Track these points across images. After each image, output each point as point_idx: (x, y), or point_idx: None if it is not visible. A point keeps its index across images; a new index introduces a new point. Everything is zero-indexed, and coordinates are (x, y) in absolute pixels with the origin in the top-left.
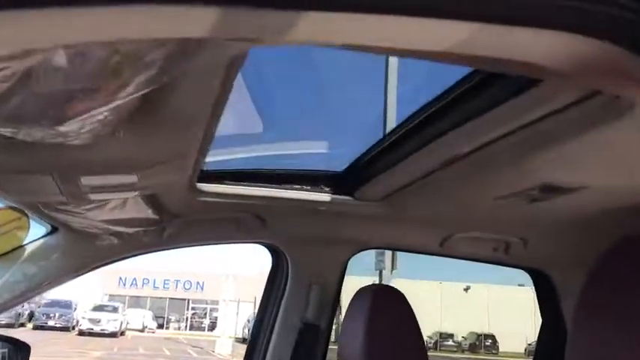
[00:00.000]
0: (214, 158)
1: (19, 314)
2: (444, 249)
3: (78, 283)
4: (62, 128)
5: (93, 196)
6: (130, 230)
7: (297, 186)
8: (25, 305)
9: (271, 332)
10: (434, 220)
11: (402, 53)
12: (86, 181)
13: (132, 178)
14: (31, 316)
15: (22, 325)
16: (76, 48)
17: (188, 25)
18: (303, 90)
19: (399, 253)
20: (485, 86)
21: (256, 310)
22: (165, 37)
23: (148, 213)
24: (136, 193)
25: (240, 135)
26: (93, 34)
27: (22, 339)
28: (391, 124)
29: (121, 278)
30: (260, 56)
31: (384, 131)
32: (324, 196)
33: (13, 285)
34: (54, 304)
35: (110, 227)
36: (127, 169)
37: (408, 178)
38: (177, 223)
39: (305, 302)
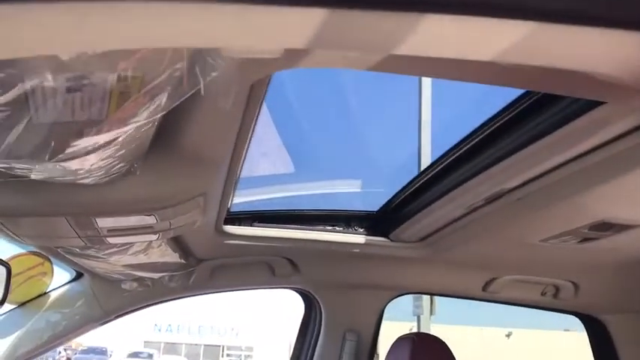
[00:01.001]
0: (242, 199)
1: None
2: (487, 293)
3: (113, 329)
4: (70, 165)
5: (112, 240)
6: (156, 276)
7: (329, 227)
8: (62, 352)
9: None
10: (476, 263)
11: (438, 70)
12: (102, 222)
13: (150, 220)
14: None
15: None
16: (76, 72)
17: (289, 30)
18: (335, 128)
19: (437, 298)
20: (535, 112)
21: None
22: (261, 46)
23: (174, 257)
24: (157, 235)
25: (270, 176)
26: (176, 38)
27: None
28: (426, 160)
29: (156, 324)
30: (290, 95)
31: (420, 168)
32: (358, 238)
33: (36, 333)
34: (90, 351)
35: (134, 272)
36: (145, 210)
37: (447, 217)
38: (204, 267)
39: (339, 351)
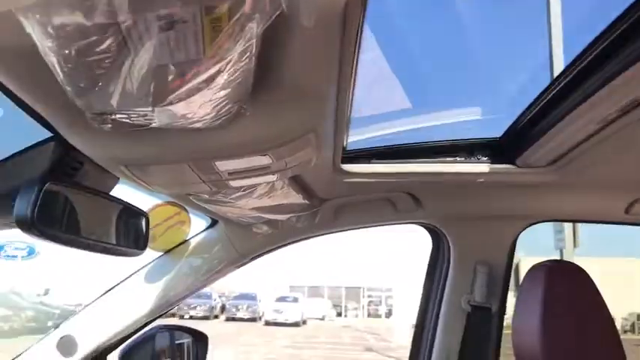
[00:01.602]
0: (358, 137)
1: (213, 307)
2: (631, 216)
3: (261, 275)
4: (177, 109)
5: (234, 183)
6: (283, 217)
7: (450, 158)
8: (217, 299)
9: (437, 317)
10: (616, 183)
11: None
12: (222, 166)
13: (266, 160)
14: (222, 308)
15: (216, 317)
16: (165, 9)
17: None
18: (448, 53)
19: (581, 229)
20: None
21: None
22: None
23: (297, 198)
24: (276, 175)
25: (385, 112)
26: None
27: (218, 329)
28: (555, 74)
29: (300, 269)
30: (397, 20)
31: (547, 83)
32: (482, 167)
33: (183, 277)
34: (241, 297)
35: (263, 215)
36: (259, 150)
37: (579, 134)
38: (328, 207)
39: (471, 284)
